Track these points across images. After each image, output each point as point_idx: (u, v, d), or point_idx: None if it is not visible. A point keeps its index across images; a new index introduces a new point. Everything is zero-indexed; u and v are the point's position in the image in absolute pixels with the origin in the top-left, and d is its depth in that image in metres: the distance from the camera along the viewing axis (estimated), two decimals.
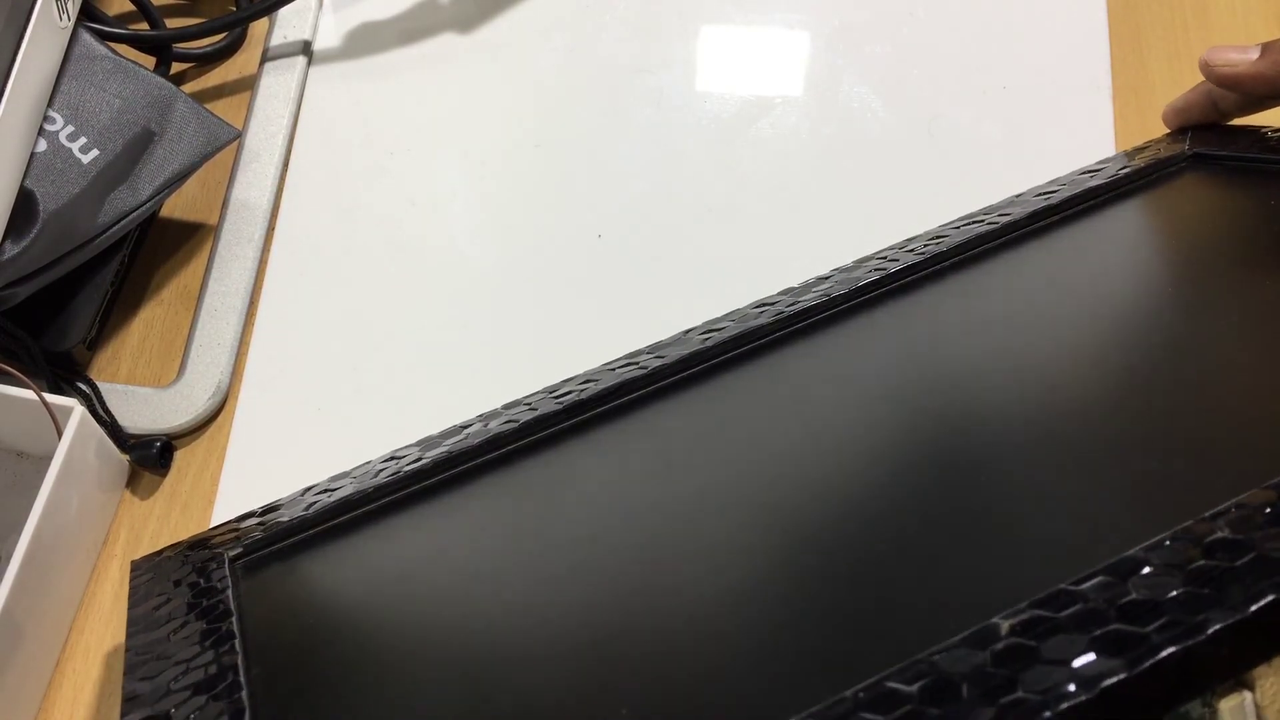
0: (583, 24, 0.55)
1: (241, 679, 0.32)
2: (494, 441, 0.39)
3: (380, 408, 0.47)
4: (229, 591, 0.36)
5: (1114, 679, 0.22)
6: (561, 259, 0.50)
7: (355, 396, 0.47)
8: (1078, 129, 0.51)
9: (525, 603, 0.32)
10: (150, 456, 0.45)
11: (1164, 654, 0.22)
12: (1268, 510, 0.24)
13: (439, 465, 0.39)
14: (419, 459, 0.40)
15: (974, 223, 0.43)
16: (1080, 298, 0.38)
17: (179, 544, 0.40)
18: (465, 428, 0.41)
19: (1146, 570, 0.24)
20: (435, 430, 0.41)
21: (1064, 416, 0.32)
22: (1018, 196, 0.45)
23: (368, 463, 0.41)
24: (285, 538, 0.38)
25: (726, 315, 0.43)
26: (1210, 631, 0.22)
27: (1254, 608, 0.22)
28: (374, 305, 0.49)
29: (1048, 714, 0.21)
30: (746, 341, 0.41)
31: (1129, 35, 0.53)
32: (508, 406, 0.42)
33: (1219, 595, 0.23)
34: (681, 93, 0.53)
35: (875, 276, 0.41)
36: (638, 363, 0.41)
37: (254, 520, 0.40)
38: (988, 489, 0.30)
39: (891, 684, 0.23)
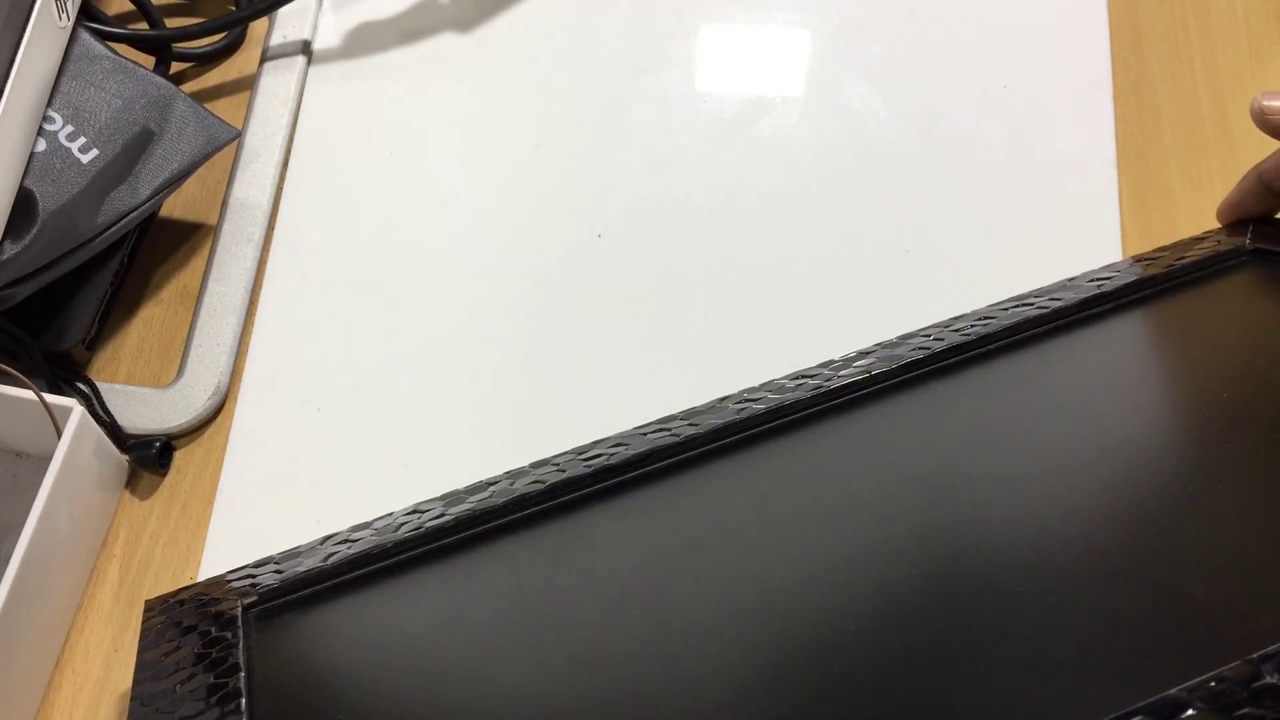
0: (582, 23, 0.55)
1: None
2: (519, 502, 0.39)
3: (380, 408, 0.47)
4: (239, 645, 0.35)
5: None
6: (561, 259, 0.50)
7: (355, 396, 0.47)
8: (1078, 129, 0.51)
9: (538, 680, 0.32)
10: (149, 457, 0.45)
11: None
12: None
13: (461, 523, 0.39)
14: (441, 514, 0.39)
15: (1023, 305, 0.42)
16: (1131, 397, 0.36)
17: (193, 585, 0.40)
18: (491, 484, 0.40)
19: (1189, 713, 0.23)
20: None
21: (1104, 530, 0.30)
22: (1070, 280, 0.43)
23: (390, 514, 0.40)
24: (301, 588, 0.38)
25: (764, 385, 0.42)
26: None
27: None
28: (374, 305, 0.49)
29: None
30: (782, 415, 0.40)
31: (1129, 34, 0.53)
32: (535, 466, 0.41)
33: None
34: (682, 92, 0.53)
35: (918, 355, 0.41)
36: (670, 429, 0.40)
37: (271, 567, 0.39)
38: (1015, 612, 0.28)
39: None
